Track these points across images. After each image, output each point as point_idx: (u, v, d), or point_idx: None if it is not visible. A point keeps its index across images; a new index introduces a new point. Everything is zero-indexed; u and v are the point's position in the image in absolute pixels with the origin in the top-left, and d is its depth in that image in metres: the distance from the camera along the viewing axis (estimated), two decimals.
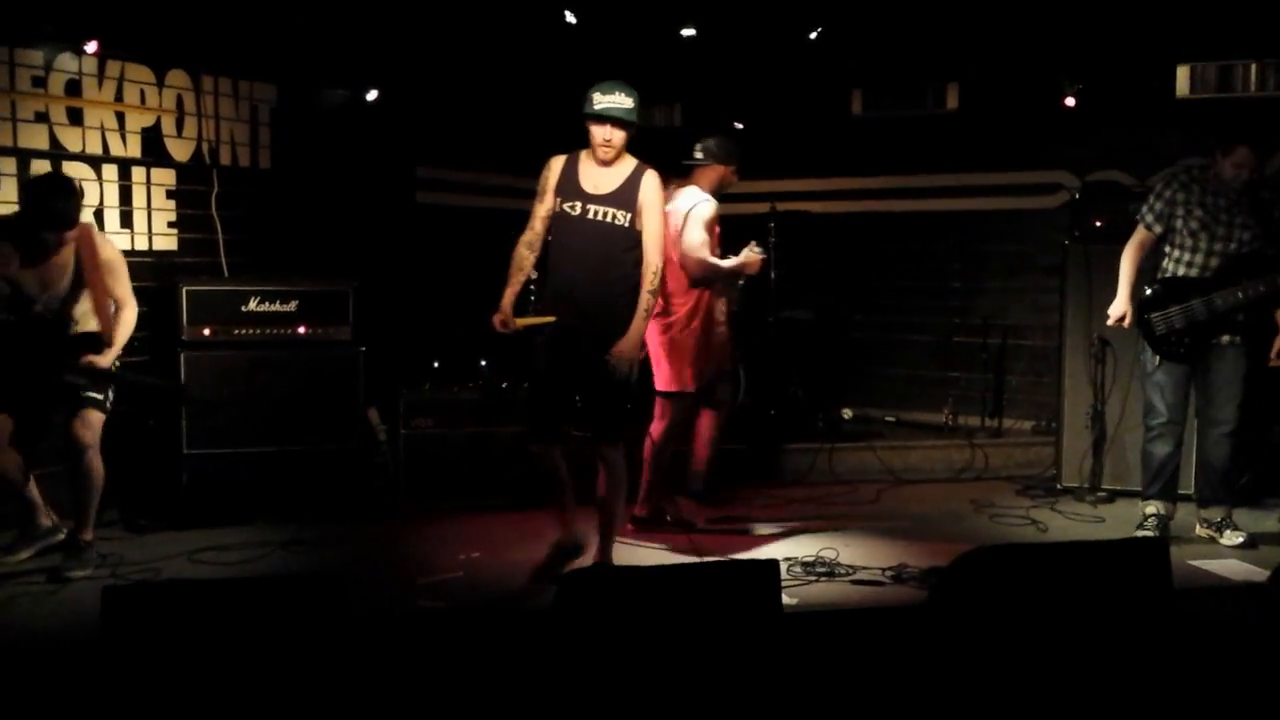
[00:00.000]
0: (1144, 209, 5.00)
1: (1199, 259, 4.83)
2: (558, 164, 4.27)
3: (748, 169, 5.31)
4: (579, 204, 4.16)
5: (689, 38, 6.17)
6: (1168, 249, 4.94)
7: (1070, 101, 6.40)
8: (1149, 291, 4.93)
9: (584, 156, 4.23)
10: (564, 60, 4.26)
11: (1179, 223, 4.86)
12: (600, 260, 4.16)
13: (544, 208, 4.27)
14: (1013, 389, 7.00)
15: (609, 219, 4.15)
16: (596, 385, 4.19)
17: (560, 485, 4.33)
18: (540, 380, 4.32)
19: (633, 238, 4.17)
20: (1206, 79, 6.43)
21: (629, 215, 4.16)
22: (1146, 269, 5.01)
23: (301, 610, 2.75)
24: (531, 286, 4.60)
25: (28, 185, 4.55)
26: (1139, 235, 5.00)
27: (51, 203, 4.23)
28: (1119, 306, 4.99)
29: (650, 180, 4.20)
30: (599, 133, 4.12)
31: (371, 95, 6.15)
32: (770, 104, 7.37)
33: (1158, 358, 4.90)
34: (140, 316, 5.33)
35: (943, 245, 7.23)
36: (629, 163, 4.21)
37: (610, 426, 4.28)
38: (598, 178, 4.19)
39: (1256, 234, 4.77)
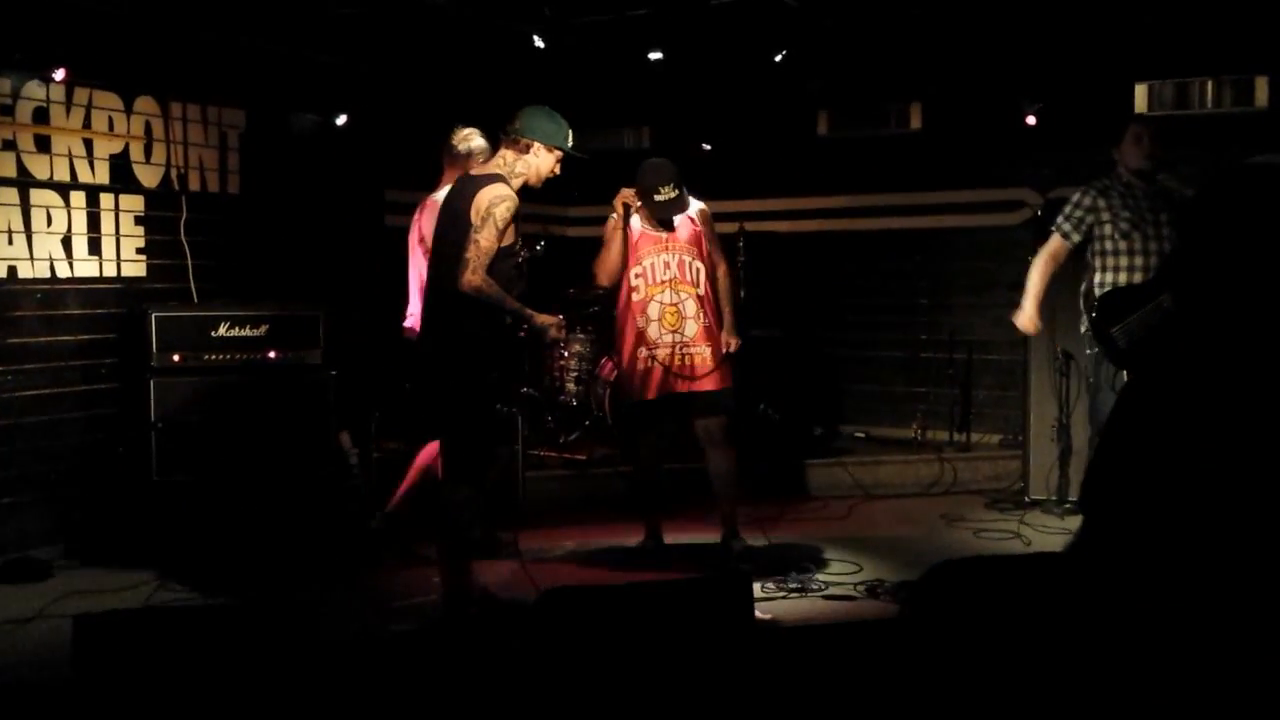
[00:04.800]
0: (1060, 219, 5.04)
1: (1138, 261, 4.83)
2: None
3: (717, 190, 5.31)
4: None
5: (656, 61, 6.23)
6: (1097, 260, 4.93)
7: (1031, 120, 6.50)
8: (1100, 307, 4.88)
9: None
10: (533, 83, 4.28)
11: (1106, 229, 4.88)
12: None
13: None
14: (980, 403, 7.07)
15: None
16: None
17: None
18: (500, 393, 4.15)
19: None
20: (1164, 96, 6.53)
21: None
22: (1052, 282, 5.03)
23: (274, 636, 2.75)
24: None
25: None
26: (1053, 245, 5.02)
27: None
28: (1029, 316, 4.98)
29: None
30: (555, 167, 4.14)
31: (340, 120, 6.16)
32: (738, 125, 7.44)
33: (1123, 373, 4.82)
34: (109, 343, 5.34)
35: (909, 263, 7.31)
36: None
37: None
38: None
39: None
